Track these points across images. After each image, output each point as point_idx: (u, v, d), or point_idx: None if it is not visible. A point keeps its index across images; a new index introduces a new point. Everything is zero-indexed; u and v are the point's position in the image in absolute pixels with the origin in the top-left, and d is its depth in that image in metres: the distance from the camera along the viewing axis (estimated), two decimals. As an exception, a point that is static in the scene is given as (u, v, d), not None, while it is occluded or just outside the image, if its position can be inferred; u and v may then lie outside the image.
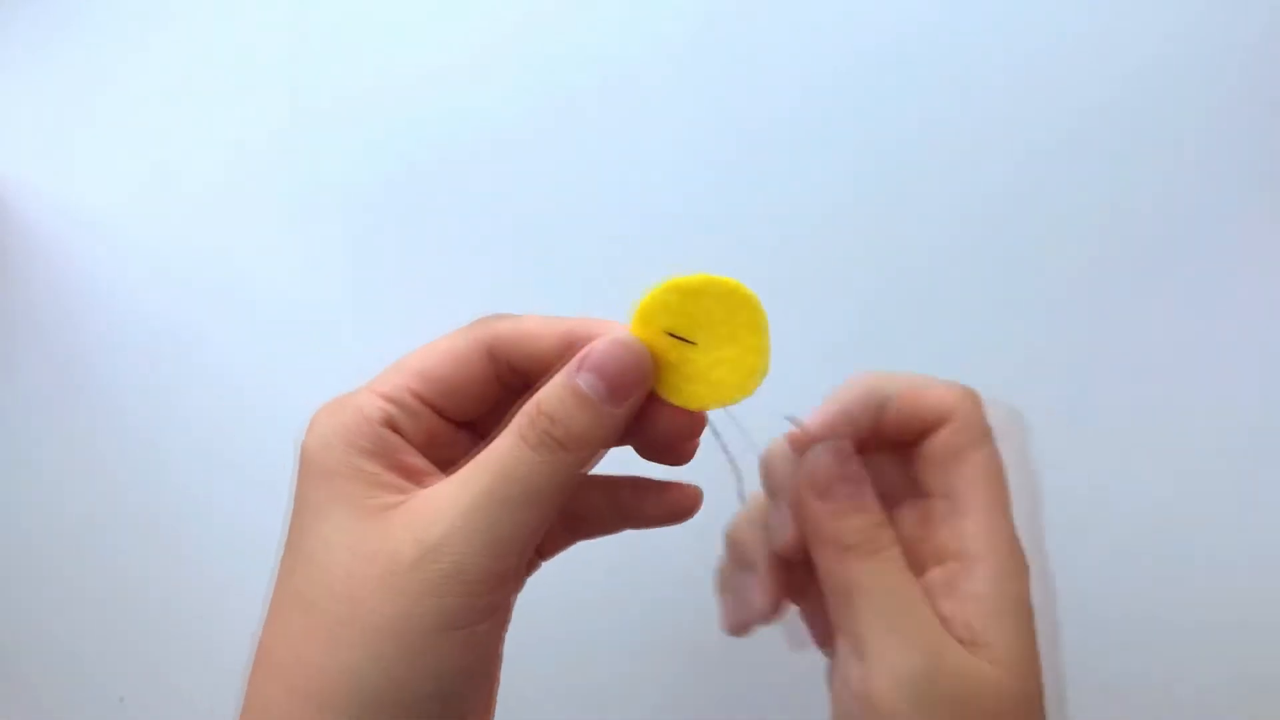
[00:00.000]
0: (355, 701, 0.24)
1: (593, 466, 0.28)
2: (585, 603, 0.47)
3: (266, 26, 0.50)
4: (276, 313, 0.49)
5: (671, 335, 0.27)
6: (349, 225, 0.49)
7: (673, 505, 0.30)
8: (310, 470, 0.27)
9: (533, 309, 0.49)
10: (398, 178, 0.49)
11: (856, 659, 0.26)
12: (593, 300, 0.48)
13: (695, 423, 0.28)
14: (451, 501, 0.25)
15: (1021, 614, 0.27)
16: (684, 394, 0.27)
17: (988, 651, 0.26)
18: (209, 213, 0.50)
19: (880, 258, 0.48)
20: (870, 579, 0.26)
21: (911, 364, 0.47)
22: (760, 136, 0.49)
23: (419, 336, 0.49)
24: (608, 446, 0.27)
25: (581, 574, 0.47)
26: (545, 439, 0.25)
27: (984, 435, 0.28)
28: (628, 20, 0.49)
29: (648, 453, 0.29)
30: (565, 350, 0.27)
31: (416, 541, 0.24)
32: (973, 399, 0.29)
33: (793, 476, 0.28)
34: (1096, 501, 0.47)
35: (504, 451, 0.25)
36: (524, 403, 0.26)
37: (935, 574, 0.28)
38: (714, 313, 0.27)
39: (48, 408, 0.49)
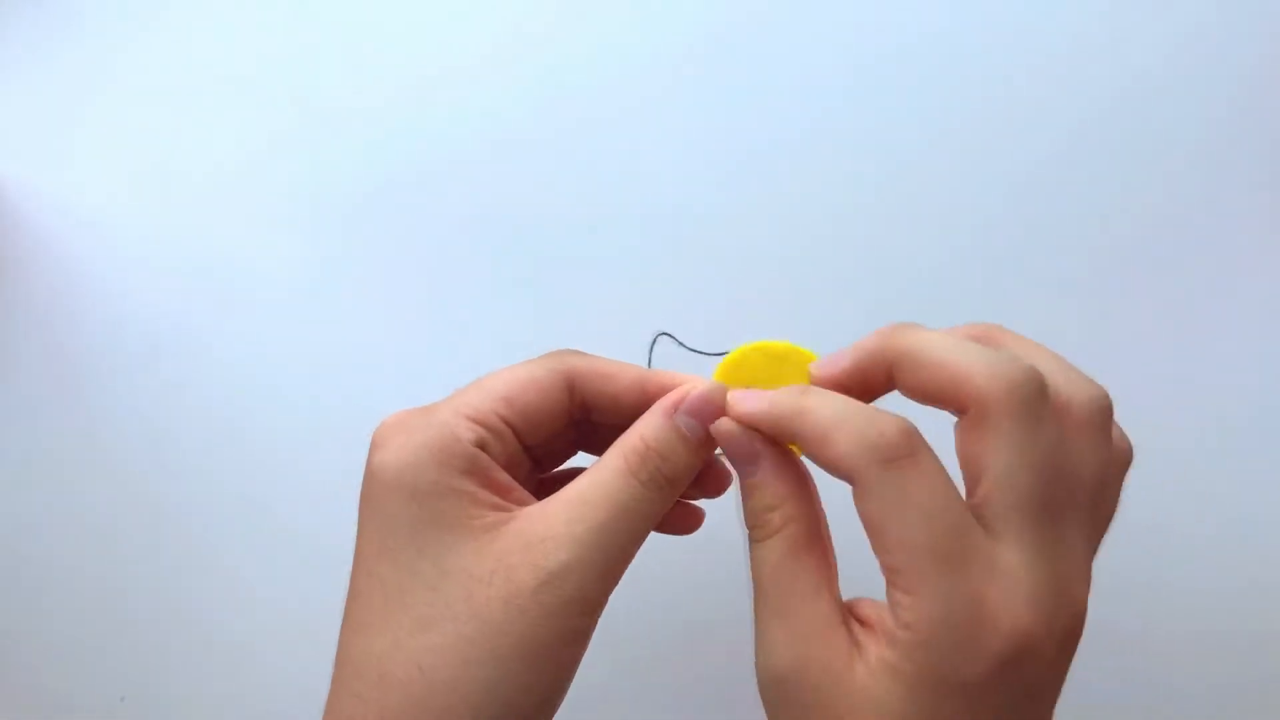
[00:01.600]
0: (486, 713, 0.26)
1: None
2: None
3: (267, 26, 0.50)
4: (277, 312, 0.49)
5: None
6: (350, 224, 0.49)
7: (678, 520, 0.33)
8: (400, 489, 0.27)
9: (535, 310, 0.49)
10: (399, 177, 0.49)
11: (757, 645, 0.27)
12: (593, 300, 0.49)
13: (725, 482, 0.32)
14: (568, 528, 0.27)
15: (934, 695, 0.24)
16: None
17: (876, 698, 0.24)
18: (209, 212, 0.50)
19: (882, 258, 0.49)
20: (757, 564, 0.27)
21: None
22: (765, 138, 0.49)
23: (419, 335, 0.50)
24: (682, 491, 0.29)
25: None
26: (657, 477, 0.28)
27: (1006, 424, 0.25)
28: (633, 20, 0.50)
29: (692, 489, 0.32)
30: (640, 395, 0.30)
31: (535, 567, 0.26)
32: (1006, 381, 0.25)
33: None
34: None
35: (618, 486, 0.27)
36: (619, 441, 0.28)
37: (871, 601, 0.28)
38: (790, 377, 0.29)
39: (47, 407, 0.49)
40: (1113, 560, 0.47)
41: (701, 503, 0.34)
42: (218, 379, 0.49)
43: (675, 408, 0.28)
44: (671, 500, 0.28)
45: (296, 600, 0.48)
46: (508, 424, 0.29)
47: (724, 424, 0.28)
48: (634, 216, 0.49)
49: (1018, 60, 0.49)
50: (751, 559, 0.28)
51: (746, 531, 0.28)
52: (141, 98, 0.50)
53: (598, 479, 0.28)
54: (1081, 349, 0.47)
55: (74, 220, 0.50)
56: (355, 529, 0.29)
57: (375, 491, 0.28)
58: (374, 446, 0.29)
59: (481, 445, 0.28)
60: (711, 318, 0.48)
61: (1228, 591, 0.47)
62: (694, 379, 0.30)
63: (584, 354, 0.31)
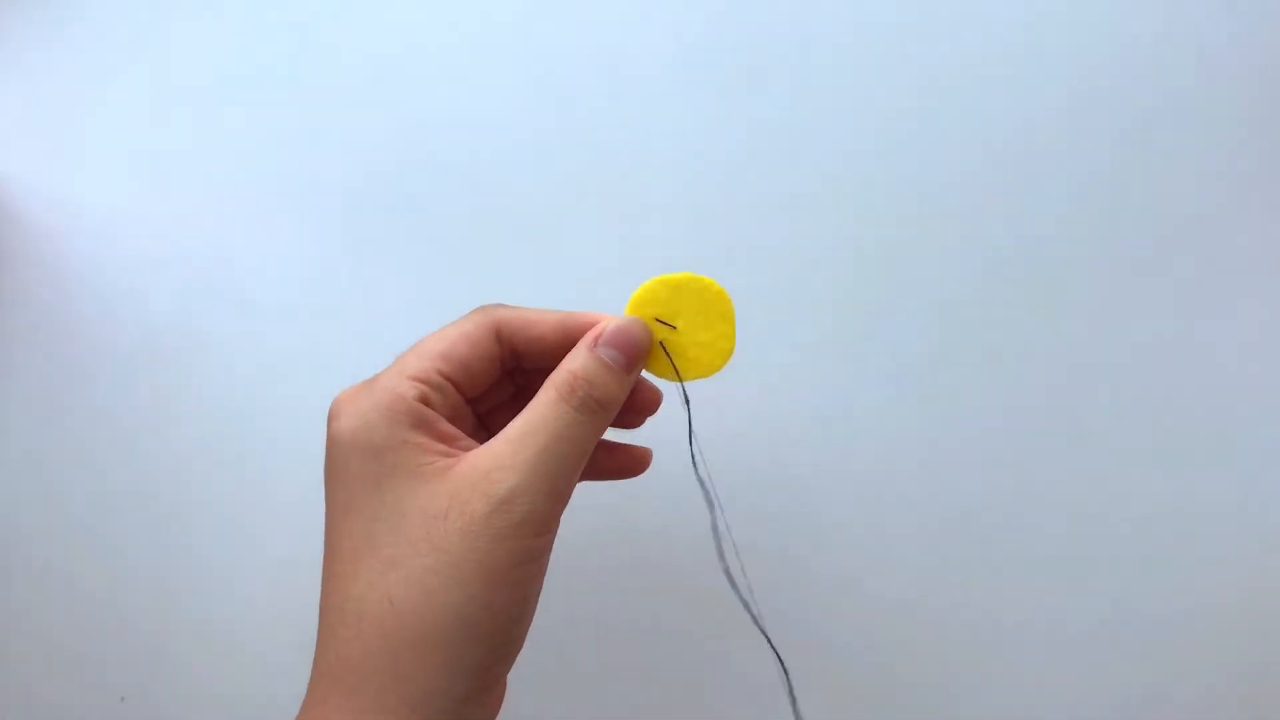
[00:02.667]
0: (457, 636, 0.28)
1: None
2: (575, 590, 0.47)
3: (267, 26, 0.50)
4: (276, 311, 0.49)
5: (658, 320, 0.34)
6: (350, 223, 0.49)
7: (628, 461, 0.37)
8: (354, 448, 0.30)
9: (530, 301, 0.49)
10: (399, 176, 0.49)
11: None
12: (587, 293, 0.49)
13: (656, 399, 0.36)
14: (512, 459, 0.29)
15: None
16: (664, 369, 0.34)
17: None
18: (209, 212, 0.50)
19: (878, 257, 0.49)
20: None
21: (911, 363, 0.48)
22: (757, 137, 0.49)
23: (419, 332, 0.50)
24: (615, 415, 0.32)
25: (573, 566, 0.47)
26: (588, 401, 0.31)
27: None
28: (630, 19, 0.50)
29: (613, 469, 0.37)
30: (563, 335, 0.33)
31: (487, 496, 0.29)
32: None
33: None
34: (1095, 502, 0.47)
35: (553, 415, 0.30)
36: (550, 376, 0.32)
37: None
38: (693, 304, 0.34)
39: (47, 406, 0.49)
40: (1112, 559, 0.47)
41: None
42: (217, 378, 0.49)
43: (595, 341, 0.32)
44: (604, 423, 0.32)
45: (297, 600, 0.48)
46: (446, 378, 0.32)
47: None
48: (632, 214, 0.49)
49: (1017, 59, 0.49)
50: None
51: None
52: (141, 98, 0.50)
53: (534, 413, 0.31)
54: (1081, 349, 0.48)
55: (74, 220, 0.50)
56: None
57: (335, 457, 0.31)
58: (330, 418, 0.31)
59: (424, 400, 0.31)
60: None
61: (1228, 591, 0.47)
62: (609, 316, 0.33)
63: (508, 305, 0.34)
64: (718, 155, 0.49)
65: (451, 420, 0.32)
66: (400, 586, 0.28)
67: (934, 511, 0.47)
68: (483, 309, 0.34)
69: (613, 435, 0.36)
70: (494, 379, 0.34)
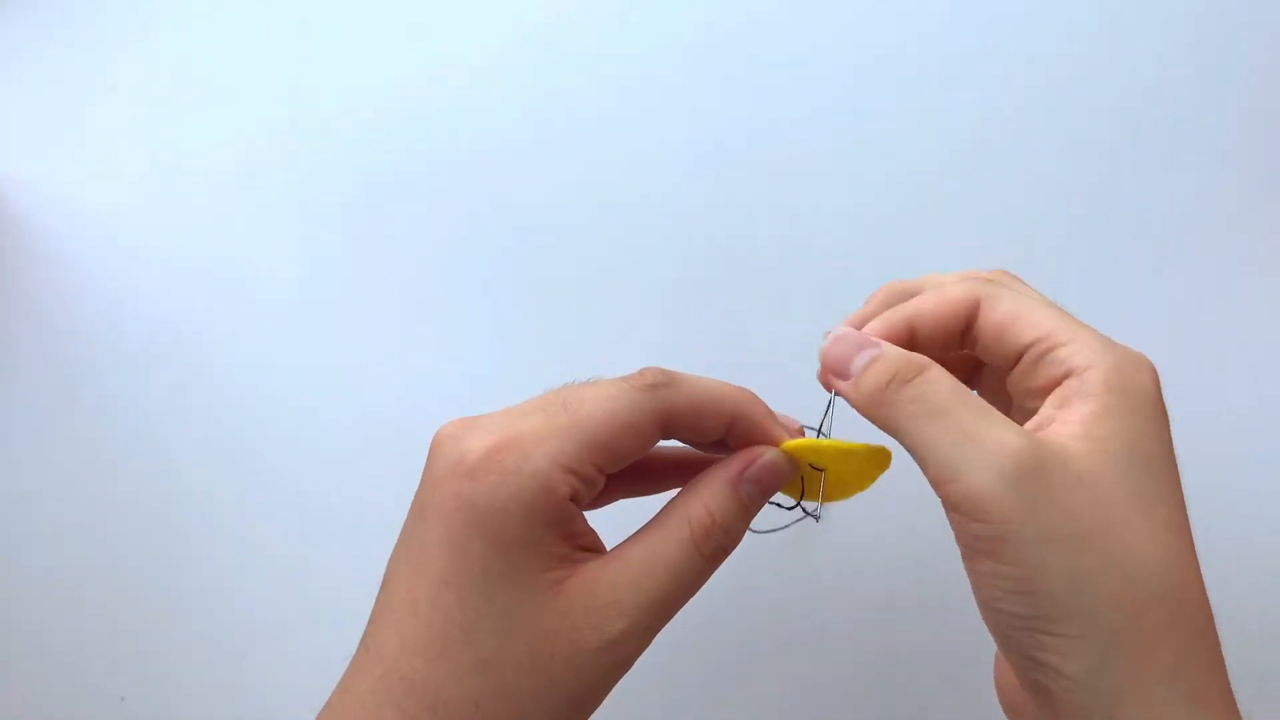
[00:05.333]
0: None
1: None
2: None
3: (265, 27, 0.50)
4: (276, 311, 0.49)
5: (810, 466, 0.31)
6: (349, 224, 0.49)
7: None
8: (483, 532, 0.27)
9: (533, 307, 0.49)
10: (400, 176, 0.49)
11: (949, 484, 0.26)
12: (589, 298, 0.49)
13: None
14: (631, 599, 0.28)
15: (1144, 405, 0.27)
16: (790, 488, 0.32)
17: (1107, 442, 0.26)
18: (209, 211, 0.50)
19: (878, 254, 0.49)
20: (924, 400, 0.27)
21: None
22: (758, 139, 0.49)
23: (418, 331, 0.49)
24: None
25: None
26: (719, 552, 0.29)
27: (1027, 294, 0.30)
28: (632, 22, 0.50)
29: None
30: (724, 432, 0.30)
31: (598, 632, 0.27)
32: (985, 277, 0.31)
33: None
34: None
35: (682, 560, 0.28)
36: (685, 506, 0.29)
37: (1044, 403, 0.28)
38: (855, 463, 0.31)
39: (47, 406, 0.49)
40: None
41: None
42: (217, 378, 0.49)
43: (740, 475, 0.29)
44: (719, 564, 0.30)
45: (297, 600, 0.48)
46: (600, 472, 0.29)
47: (827, 344, 0.30)
48: (634, 215, 0.49)
49: (1017, 59, 0.49)
50: (910, 403, 0.27)
51: (880, 393, 0.28)
52: (141, 98, 0.50)
53: (661, 549, 0.29)
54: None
55: (74, 220, 0.50)
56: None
57: (457, 522, 0.27)
58: (466, 474, 0.27)
59: (574, 497, 0.28)
60: (711, 317, 0.48)
61: (1227, 591, 0.46)
62: (771, 428, 0.31)
63: (678, 384, 0.30)
64: (722, 160, 0.49)
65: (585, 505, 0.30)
66: (491, 698, 0.27)
67: (934, 511, 0.47)
68: (654, 387, 0.29)
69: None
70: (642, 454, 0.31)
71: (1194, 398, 0.47)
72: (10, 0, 0.50)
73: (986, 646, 0.29)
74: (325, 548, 0.48)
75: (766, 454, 0.30)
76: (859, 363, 0.28)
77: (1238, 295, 0.48)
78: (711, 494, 0.29)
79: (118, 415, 0.49)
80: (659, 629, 0.29)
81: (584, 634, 0.27)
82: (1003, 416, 0.26)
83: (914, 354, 0.28)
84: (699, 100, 0.49)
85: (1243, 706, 0.27)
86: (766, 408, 0.31)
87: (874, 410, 0.28)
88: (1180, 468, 0.46)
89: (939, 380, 0.27)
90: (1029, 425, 0.27)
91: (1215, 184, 0.48)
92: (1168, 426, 0.27)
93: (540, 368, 0.48)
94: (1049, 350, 0.28)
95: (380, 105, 0.50)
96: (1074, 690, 0.25)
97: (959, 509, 0.26)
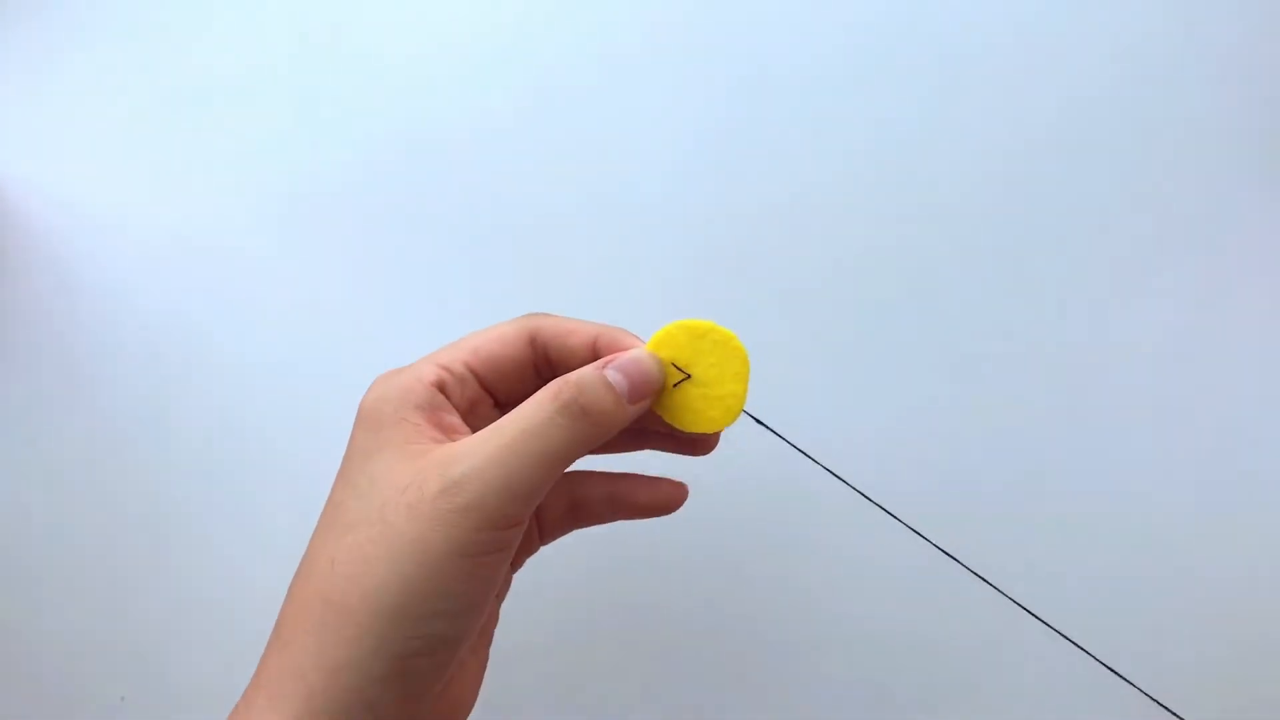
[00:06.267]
0: (377, 612, 0.27)
1: (591, 450, 0.31)
2: (575, 598, 0.47)
3: (266, 26, 0.50)
4: (277, 310, 0.49)
5: (674, 365, 0.33)
6: (352, 223, 0.49)
7: (662, 496, 0.35)
8: (365, 421, 0.31)
9: (532, 302, 0.49)
10: (401, 176, 0.50)
11: None
12: (588, 295, 0.49)
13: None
14: (479, 446, 0.29)
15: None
16: (671, 414, 0.33)
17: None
18: (210, 211, 0.50)
19: (878, 255, 0.49)
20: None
21: (910, 363, 0.48)
22: (753, 132, 0.49)
23: (418, 331, 0.50)
24: (608, 436, 0.31)
25: (573, 567, 0.47)
26: (570, 404, 0.30)
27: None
28: (628, 19, 0.50)
29: (674, 445, 0.36)
30: (592, 351, 0.33)
31: (441, 476, 0.28)
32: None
33: None
34: (1094, 502, 0.47)
35: (531, 411, 0.30)
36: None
37: None
38: (711, 354, 0.33)
39: (47, 406, 0.49)
40: (1111, 559, 0.47)
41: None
42: (218, 378, 0.49)
43: (606, 363, 0.31)
44: (587, 438, 0.30)
45: (296, 600, 0.48)
46: (472, 371, 0.32)
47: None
48: (635, 212, 0.49)
49: (1015, 55, 0.49)
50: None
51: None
52: (142, 98, 0.50)
53: (519, 409, 0.30)
54: (1079, 348, 0.48)
55: (76, 220, 0.50)
56: None
57: (355, 425, 0.32)
58: (366, 391, 0.32)
59: (440, 385, 0.31)
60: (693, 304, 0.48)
61: (1226, 592, 0.46)
62: (636, 341, 0.33)
63: (550, 315, 0.34)
64: (729, 166, 0.49)
65: (467, 415, 0.32)
66: (344, 550, 0.29)
67: (934, 510, 0.47)
68: (526, 315, 0.34)
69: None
70: (525, 384, 0.34)
71: (1193, 398, 0.48)
72: (11, 1, 0.50)
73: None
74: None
75: (631, 350, 0.32)
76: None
77: (1238, 295, 0.48)
78: (575, 372, 0.31)
79: (118, 415, 0.49)
80: (510, 483, 0.28)
81: (429, 481, 0.28)
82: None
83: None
84: (696, 85, 0.49)
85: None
86: (633, 334, 0.33)
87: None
88: (1180, 469, 0.46)
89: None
90: None
91: (1216, 184, 0.48)
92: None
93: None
94: None
95: (382, 106, 0.50)
96: None
97: None
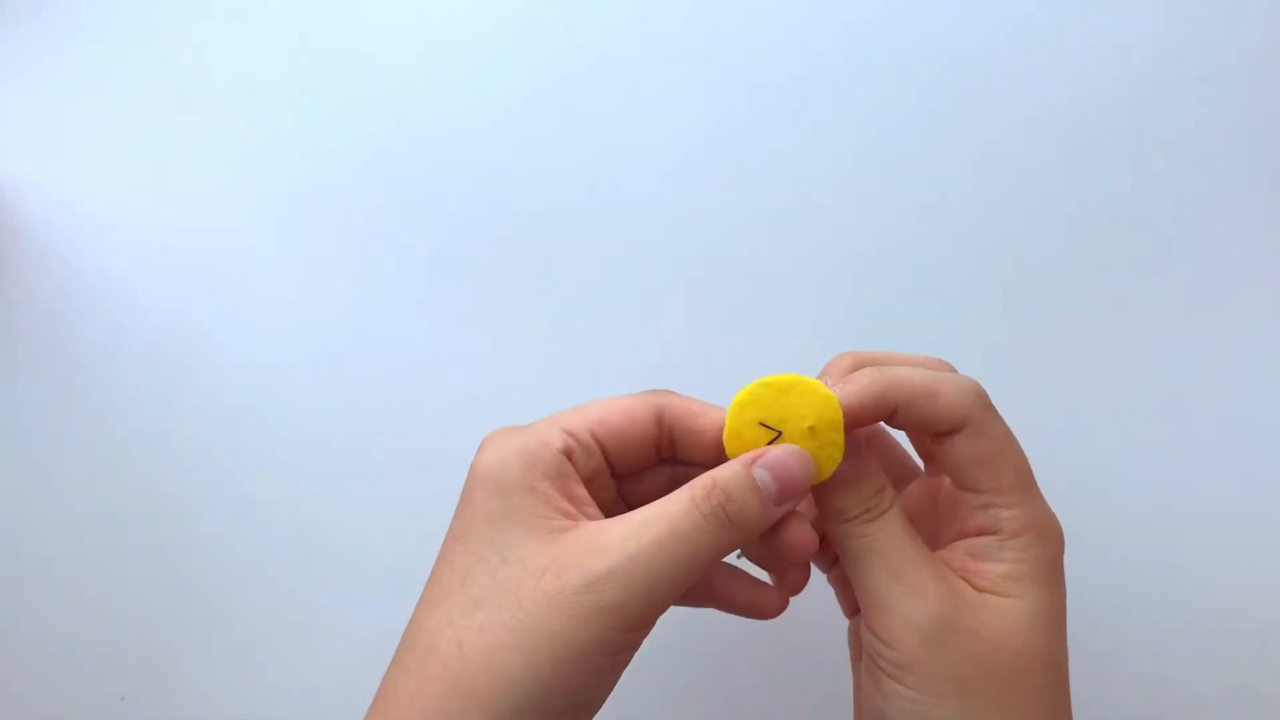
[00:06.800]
0: (505, 702, 0.27)
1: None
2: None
3: (266, 26, 0.50)
4: (278, 309, 0.49)
5: (762, 424, 0.31)
6: (352, 222, 0.49)
7: (758, 601, 0.34)
8: (488, 483, 0.30)
9: (534, 305, 0.49)
10: (401, 175, 0.49)
11: (874, 615, 0.30)
12: (593, 295, 0.49)
13: (806, 545, 0.32)
14: (622, 541, 0.28)
15: (1049, 575, 0.30)
16: None
17: (1011, 603, 0.29)
18: (210, 210, 0.50)
19: (879, 256, 0.48)
20: (876, 540, 0.30)
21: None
22: (756, 129, 0.49)
23: (417, 330, 0.50)
24: (752, 540, 0.30)
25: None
26: (719, 512, 0.29)
27: (1005, 439, 0.31)
28: (628, 19, 0.50)
29: (739, 608, 0.34)
30: (720, 437, 0.32)
31: (584, 570, 0.27)
32: (983, 400, 0.31)
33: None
34: (1094, 502, 0.47)
35: (678, 513, 0.28)
36: (695, 477, 0.30)
37: (961, 545, 0.31)
38: (799, 408, 0.31)
39: (48, 405, 0.49)
40: (1111, 560, 0.47)
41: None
42: (218, 378, 0.49)
43: (753, 460, 0.30)
44: (733, 544, 0.29)
45: (297, 600, 0.48)
46: (597, 441, 0.31)
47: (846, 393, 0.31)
48: (635, 209, 0.49)
49: (1014, 56, 0.49)
50: (864, 539, 0.30)
51: (845, 521, 0.31)
52: (145, 99, 0.50)
53: (662, 506, 0.29)
54: (1079, 348, 0.47)
55: (75, 219, 0.50)
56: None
57: (467, 486, 0.30)
58: (478, 450, 0.31)
59: (568, 453, 0.30)
60: (715, 318, 0.48)
61: (1226, 593, 0.46)
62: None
63: (676, 394, 0.33)
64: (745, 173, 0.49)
65: (589, 485, 0.31)
66: (474, 633, 0.27)
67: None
68: (653, 392, 0.33)
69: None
70: (647, 462, 0.33)
71: (1194, 398, 0.47)
72: (13, 1, 0.51)
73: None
74: (327, 547, 0.48)
75: (780, 448, 0.30)
76: (841, 470, 0.31)
77: (1238, 295, 0.47)
78: (720, 468, 0.30)
79: (118, 414, 0.49)
80: (653, 585, 0.27)
81: (569, 572, 0.27)
82: (933, 562, 0.30)
83: (885, 488, 0.31)
84: (697, 85, 0.49)
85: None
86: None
87: (834, 528, 0.31)
88: (1181, 468, 0.45)
89: (892, 523, 0.31)
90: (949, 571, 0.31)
91: (1217, 184, 0.48)
92: (1064, 594, 0.31)
93: (543, 363, 0.48)
94: (994, 506, 0.31)
95: (382, 105, 0.50)
96: None
97: (877, 634, 0.29)
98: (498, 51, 0.50)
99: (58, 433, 0.49)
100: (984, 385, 0.32)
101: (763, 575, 0.35)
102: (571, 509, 0.30)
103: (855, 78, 0.49)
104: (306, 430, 0.49)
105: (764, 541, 0.32)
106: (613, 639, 0.27)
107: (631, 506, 0.32)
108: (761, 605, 0.34)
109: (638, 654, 0.29)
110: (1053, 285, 0.48)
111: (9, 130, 0.50)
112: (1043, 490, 0.32)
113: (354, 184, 0.50)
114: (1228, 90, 0.48)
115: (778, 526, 0.31)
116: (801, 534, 0.31)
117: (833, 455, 0.31)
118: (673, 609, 0.30)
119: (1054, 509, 0.32)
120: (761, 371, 0.32)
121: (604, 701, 0.29)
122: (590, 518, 0.30)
